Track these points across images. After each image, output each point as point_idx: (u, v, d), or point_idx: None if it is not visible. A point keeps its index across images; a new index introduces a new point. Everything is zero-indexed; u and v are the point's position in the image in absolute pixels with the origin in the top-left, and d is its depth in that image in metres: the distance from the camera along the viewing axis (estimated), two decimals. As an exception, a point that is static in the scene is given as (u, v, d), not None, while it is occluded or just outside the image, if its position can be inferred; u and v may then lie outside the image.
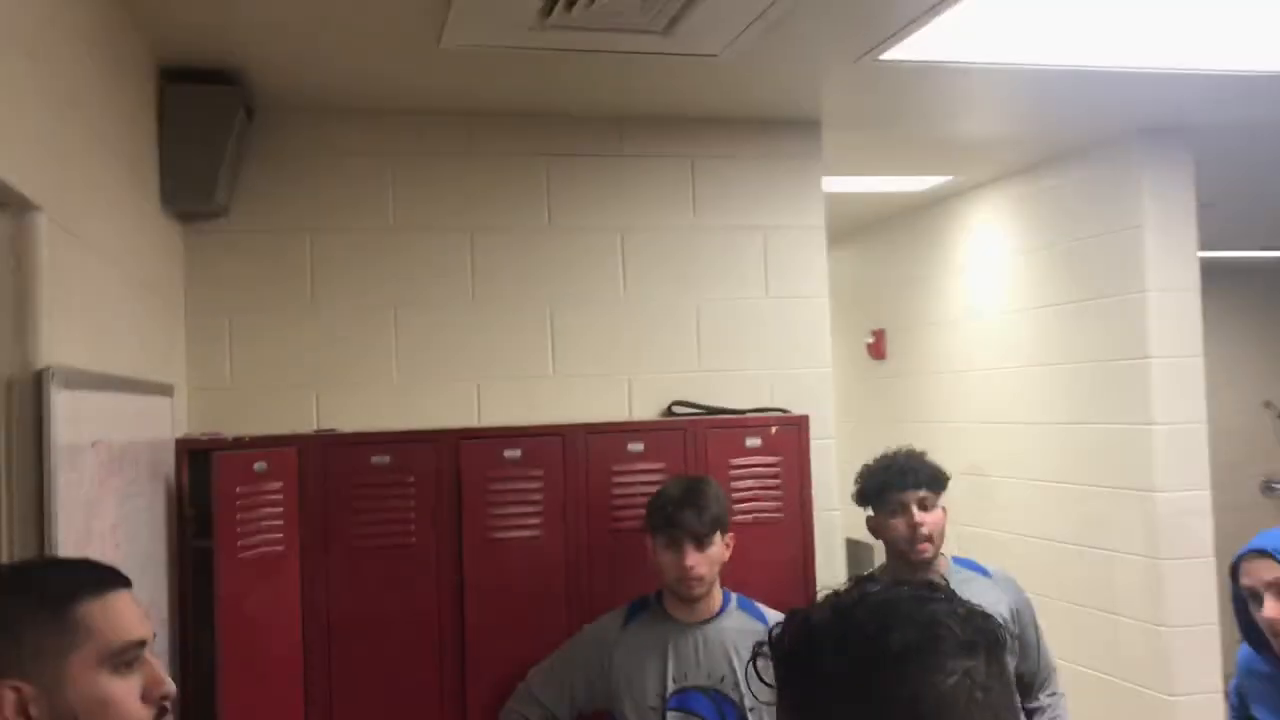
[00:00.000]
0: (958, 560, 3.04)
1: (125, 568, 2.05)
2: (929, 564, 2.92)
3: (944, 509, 2.97)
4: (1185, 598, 3.76)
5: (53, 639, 1.28)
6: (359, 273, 3.28)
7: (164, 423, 2.77)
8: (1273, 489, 7.74)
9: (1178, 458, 3.82)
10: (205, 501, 2.75)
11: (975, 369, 4.92)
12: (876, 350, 5.66)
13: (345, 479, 2.97)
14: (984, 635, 0.94)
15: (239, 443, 2.88)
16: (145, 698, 1.34)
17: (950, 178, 4.69)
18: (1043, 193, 4.42)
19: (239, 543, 2.71)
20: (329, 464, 2.97)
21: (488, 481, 3.04)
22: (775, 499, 3.19)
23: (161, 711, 1.35)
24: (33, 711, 1.25)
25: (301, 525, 2.91)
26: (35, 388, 1.66)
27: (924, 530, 2.87)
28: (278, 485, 2.86)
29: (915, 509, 2.89)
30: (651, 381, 3.42)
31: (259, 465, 2.81)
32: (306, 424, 3.19)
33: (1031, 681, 2.97)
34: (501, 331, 3.35)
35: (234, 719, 2.61)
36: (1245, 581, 2.59)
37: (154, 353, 2.74)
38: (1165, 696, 3.74)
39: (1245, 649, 2.74)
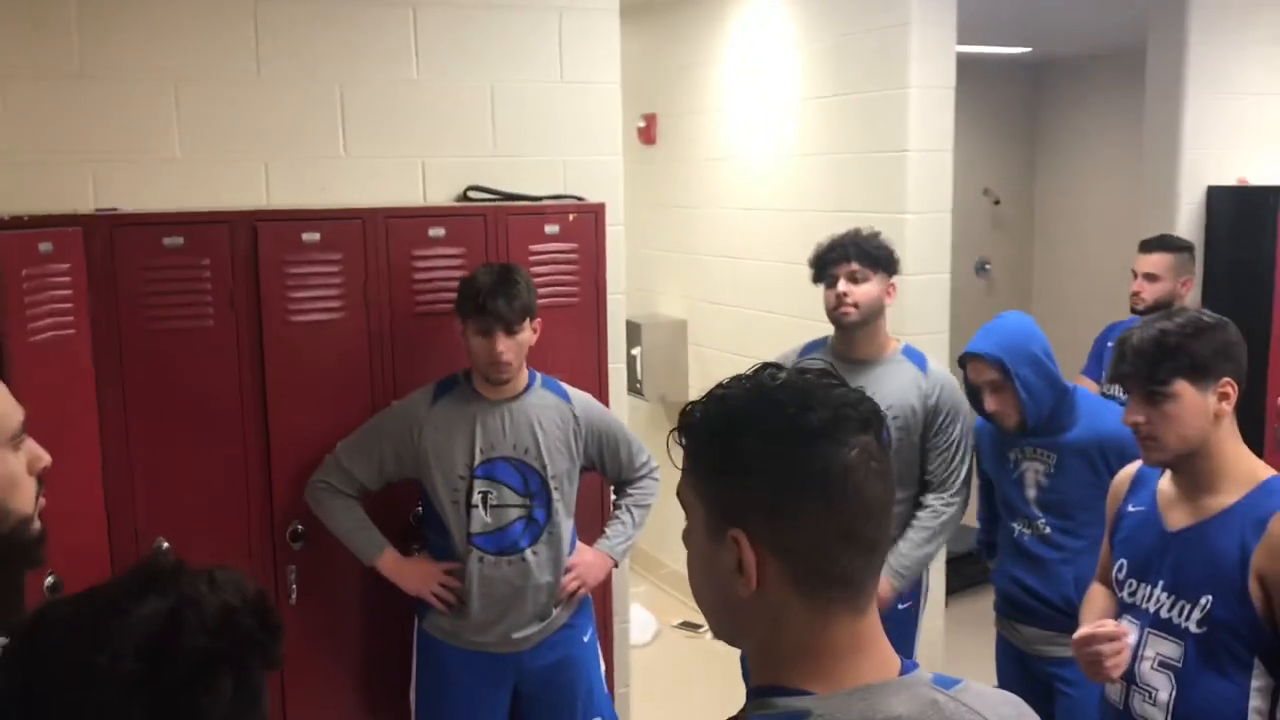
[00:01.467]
0: (908, 348, 3.23)
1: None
2: (862, 333, 3.14)
3: (889, 286, 3.14)
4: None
5: None
6: (133, 40, 3.05)
7: (-69, 200, 2.57)
8: (984, 269, 8.55)
9: (925, 244, 4.19)
10: (-18, 284, 2.61)
11: (742, 157, 5.14)
12: (647, 135, 5.76)
13: (135, 261, 2.87)
14: (873, 415, 1.11)
15: (18, 222, 2.72)
16: (30, 470, 1.44)
17: (729, -36, 4.74)
18: (816, -14, 4.56)
19: (29, 326, 2.60)
20: (118, 245, 2.85)
21: (286, 265, 3.01)
22: (572, 284, 3.32)
23: (40, 482, 1.46)
24: None
25: (92, 308, 2.82)
26: None
27: (848, 299, 3.08)
28: (65, 267, 2.74)
29: (843, 280, 3.09)
30: (446, 165, 3.41)
31: (44, 246, 2.68)
32: (84, 203, 3.02)
33: (932, 480, 3.14)
34: (290, 109, 3.23)
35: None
36: (970, 377, 3.01)
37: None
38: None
39: (979, 420, 3.18)
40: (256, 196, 3.19)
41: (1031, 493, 2.99)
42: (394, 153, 3.35)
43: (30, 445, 1.44)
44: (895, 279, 3.20)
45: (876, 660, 1.11)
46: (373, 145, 3.33)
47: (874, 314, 3.14)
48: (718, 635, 1.18)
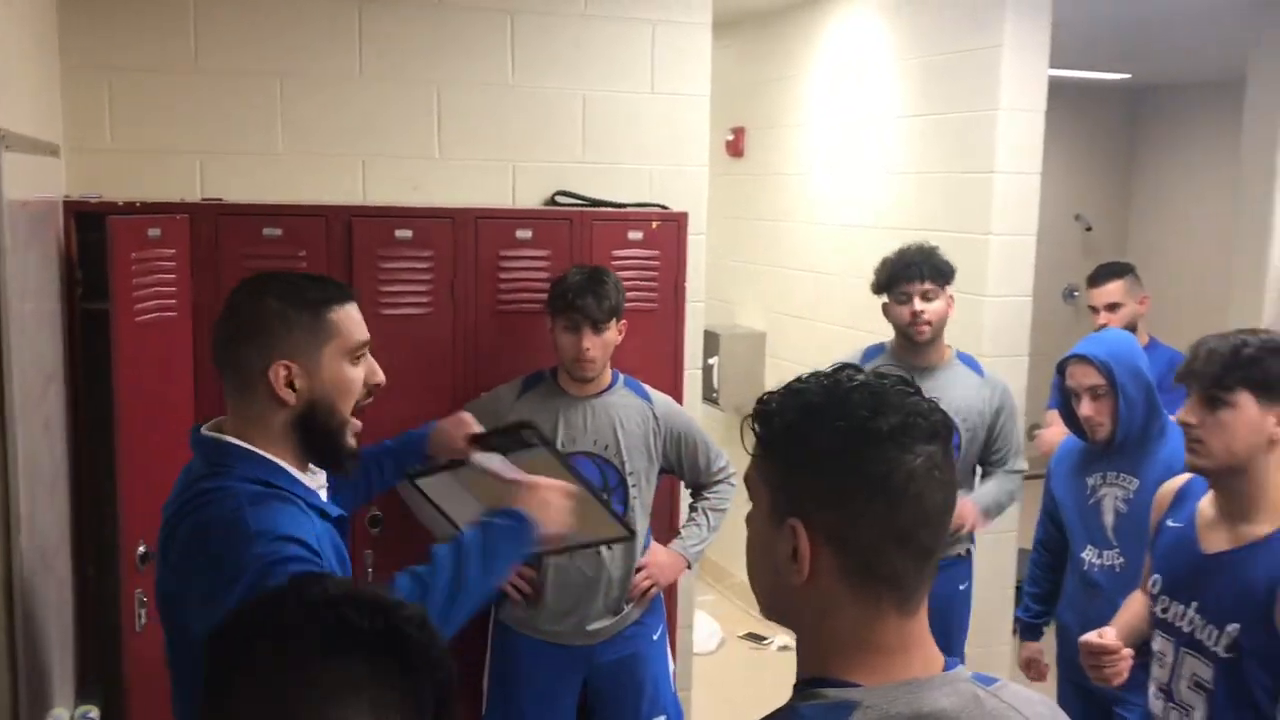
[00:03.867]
0: (961, 355, 3.44)
1: (25, 326, 2.11)
2: (929, 345, 3.36)
3: (950, 299, 3.36)
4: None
5: (313, 334, 1.71)
6: (244, 38, 3.20)
7: (52, 184, 2.72)
8: (1073, 296, 8.43)
9: (1008, 267, 4.18)
10: (93, 265, 2.76)
11: (829, 172, 5.16)
12: (735, 148, 5.81)
13: (237, 249, 3.00)
14: (943, 427, 1.14)
15: (130, 208, 2.86)
16: (364, 383, 1.79)
17: (824, -19, 4.77)
18: (909, 5, 4.57)
19: (135, 307, 2.74)
20: (221, 233, 2.99)
21: (379, 259, 3.12)
22: (653, 290, 3.38)
23: (370, 394, 1.81)
24: (297, 384, 1.70)
25: (194, 293, 2.95)
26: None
27: (924, 317, 3.30)
28: (171, 252, 2.87)
29: (918, 299, 3.30)
30: (535, 169, 3.50)
31: (153, 231, 2.81)
32: (189, 192, 3.17)
33: (995, 462, 3.43)
34: (388, 109, 3.36)
35: (132, 469, 2.69)
36: (1069, 383, 2.99)
37: (40, 110, 2.67)
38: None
39: (1068, 438, 3.17)
40: (353, 193, 3.32)
41: (1109, 519, 2.96)
42: (486, 155, 3.45)
43: (369, 362, 1.79)
44: (954, 292, 3.42)
45: (921, 657, 1.15)
46: (466, 147, 3.44)
47: (943, 328, 3.37)
48: (767, 615, 1.23)
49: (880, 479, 1.10)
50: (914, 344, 3.36)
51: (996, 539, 4.30)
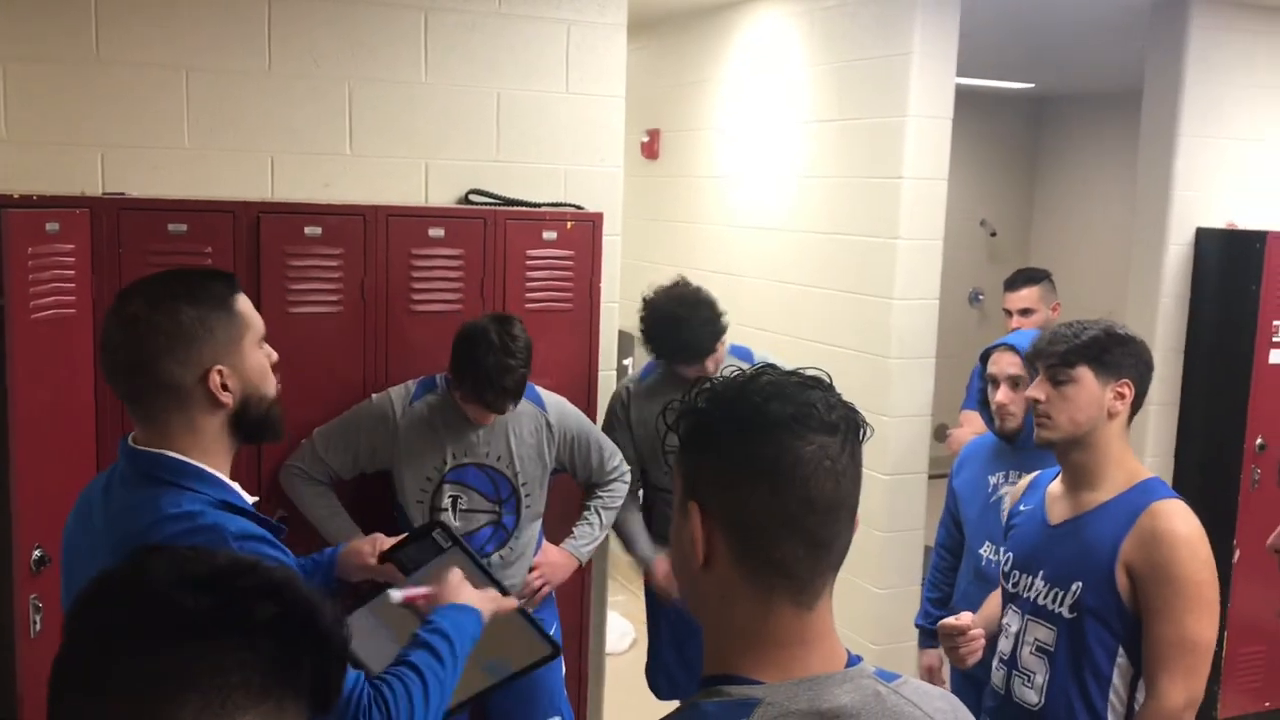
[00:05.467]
0: (734, 347, 3.46)
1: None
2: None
3: (720, 346, 3.35)
4: (909, 392, 4.27)
5: (231, 330, 1.70)
6: (148, 30, 3.12)
7: (-56, 175, 2.63)
8: (979, 299, 8.62)
9: (915, 270, 4.25)
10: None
11: (742, 176, 5.20)
12: (650, 150, 5.83)
13: (140, 245, 2.93)
14: (846, 421, 1.16)
15: (27, 200, 2.78)
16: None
17: (738, -14, 4.82)
18: (821, 12, 4.63)
19: (31, 304, 2.66)
20: (123, 229, 2.92)
21: (287, 257, 3.07)
22: (567, 291, 3.38)
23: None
24: (230, 384, 1.69)
25: (95, 290, 2.87)
26: None
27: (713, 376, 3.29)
28: (70, 247, 2.80)
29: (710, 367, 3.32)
30: (449, 168, 3.48)
31: (51, 225, 2.74)
32: (91, 185, 3.08)
33: None
34: (299, 105, 3.30)
35: (27, 470, 2.61)
36: (991, 369, 3.10)
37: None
38: (881, 476, 4.29)
39: (977, 437, 3.24)
40: (261, 189, 3.26)
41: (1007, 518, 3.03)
42: (398, 153, 3.42)
43: (266, 346, 1.79)
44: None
45: (823, 653, 1.16)
46: (378, 144, 3.39)
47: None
48: (688, 607, 1.24)
49: (767, 463, 1.13)
50: None
51: (903, 536, 4.38)
